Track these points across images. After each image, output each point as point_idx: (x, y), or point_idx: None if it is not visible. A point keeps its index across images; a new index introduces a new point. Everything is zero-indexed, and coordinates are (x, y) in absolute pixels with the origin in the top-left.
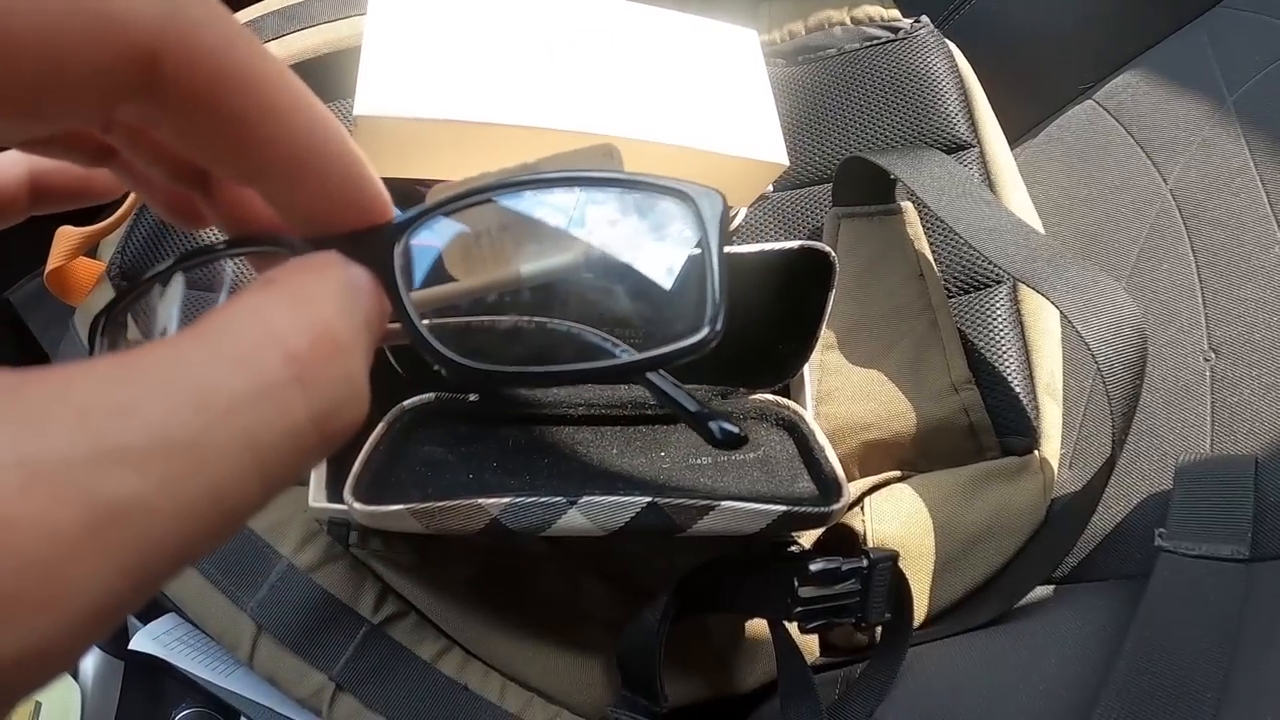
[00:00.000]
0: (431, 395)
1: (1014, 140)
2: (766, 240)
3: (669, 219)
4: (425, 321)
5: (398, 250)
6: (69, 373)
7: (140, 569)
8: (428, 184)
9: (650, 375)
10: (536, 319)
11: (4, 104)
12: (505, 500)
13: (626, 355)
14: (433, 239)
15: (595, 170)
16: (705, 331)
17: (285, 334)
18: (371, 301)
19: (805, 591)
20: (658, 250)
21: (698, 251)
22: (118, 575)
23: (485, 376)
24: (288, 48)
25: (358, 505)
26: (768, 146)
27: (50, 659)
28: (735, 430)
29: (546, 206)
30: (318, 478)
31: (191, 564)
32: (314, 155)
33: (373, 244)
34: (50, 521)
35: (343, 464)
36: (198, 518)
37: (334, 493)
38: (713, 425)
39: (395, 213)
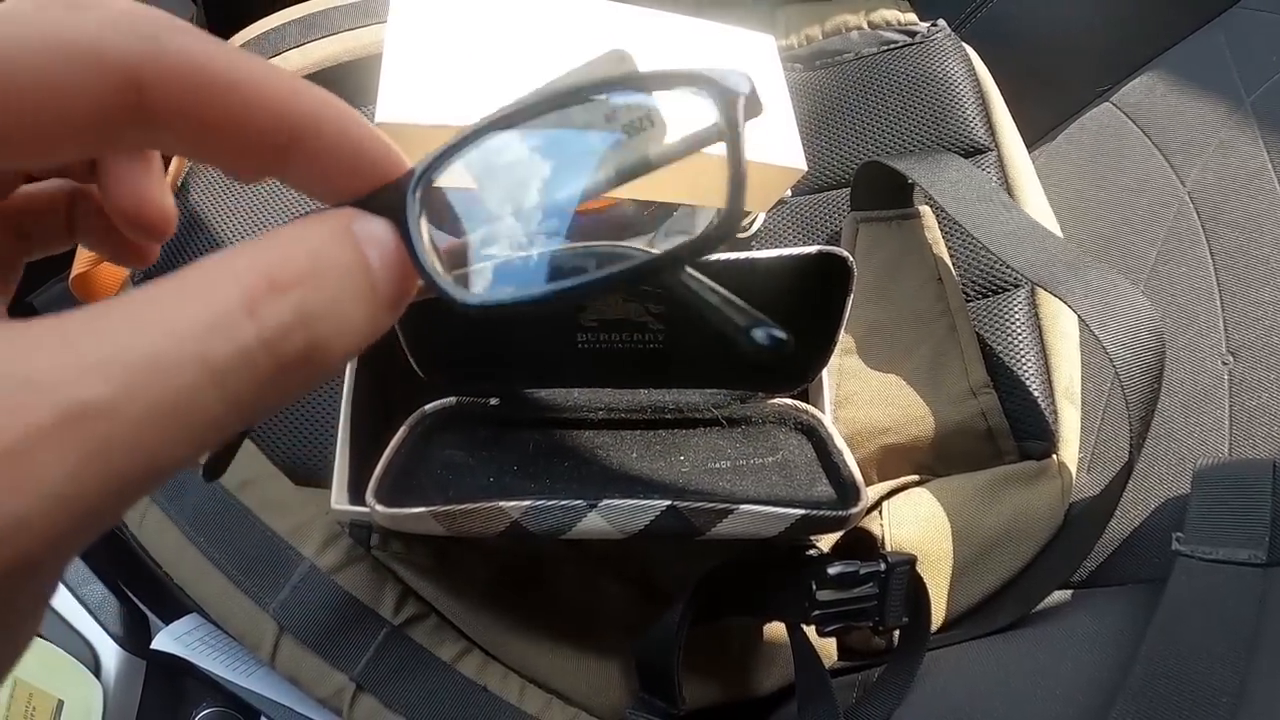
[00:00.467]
0: (452, 399)
1: (1032, 143)
2: (785, 245)
3: (691, 111)
4: (456, 272)
5: (415, 198)
6: (70, 313)
7: (103, 460)
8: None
9: (686, 279)
10: (557, 247)
11: (4, 142)
12: (525, 503)
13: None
14: (456, 181)
15: (605, 77)
16: (729, 208)
17: (243, 272)
18: (378, 247)
19: (823, 595)
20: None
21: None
22: (83, 462)
23: (503, 307)
24: (308, 55)
25: (380, 508)
26: (786, 152)
27: (27, 534)
28: (782, 335)
29: (573, 128)
30: (340, 481)
31: (159, 471)
32: (316, 133)
33: (390, 196)
34: (24, 418)
35: (365, 467)
36: (157, 421)
37: (356, 496)
38: (758, 332)
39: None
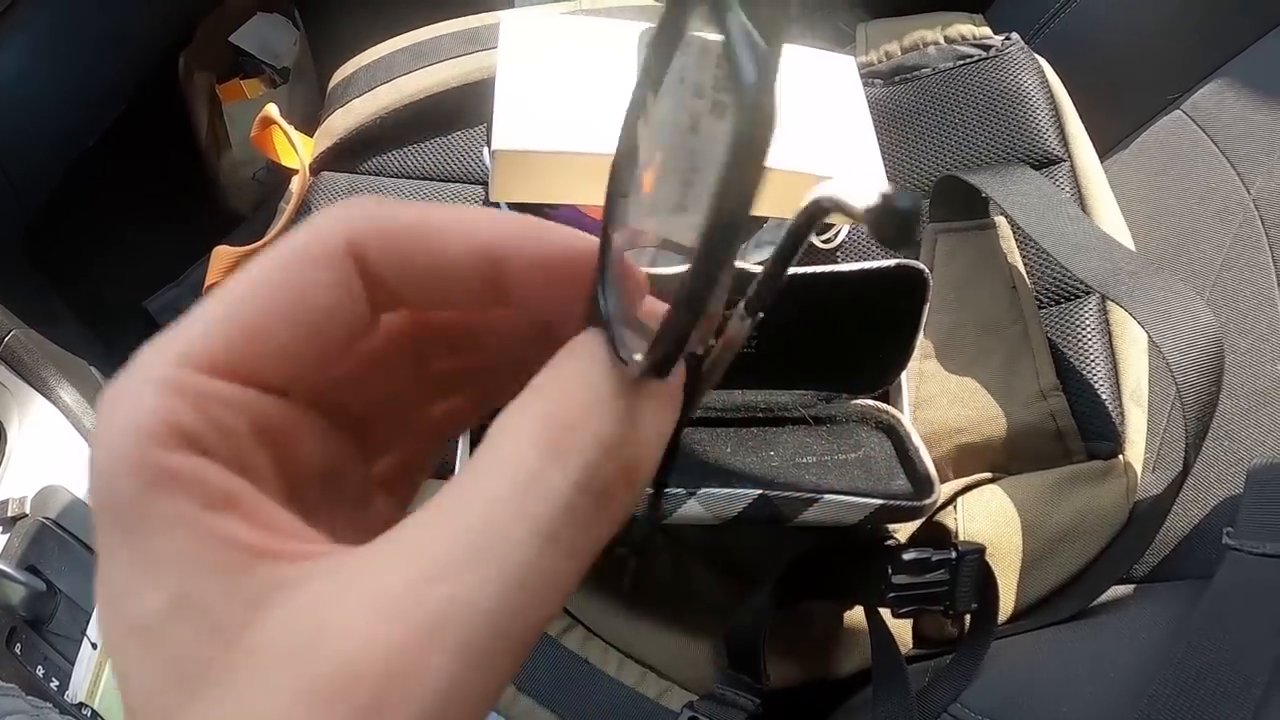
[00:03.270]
0: None
1: (1104, 152)
2: (867, 257)
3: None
4: None
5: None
6: (394, 534)
7: (470, 649)
8: (559, 208)
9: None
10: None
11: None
12: None
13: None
14: None
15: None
16: None
17: (529, 430)
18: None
19: (898, 579)
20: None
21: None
22: (452, 658)
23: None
24: (419, 81)
25: None
26: (868, 168)
27: None
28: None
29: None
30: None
31: (528, 636)
32: (517, 250)
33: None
34: (390, 638)
35: None
36: (510, 598)
37: None
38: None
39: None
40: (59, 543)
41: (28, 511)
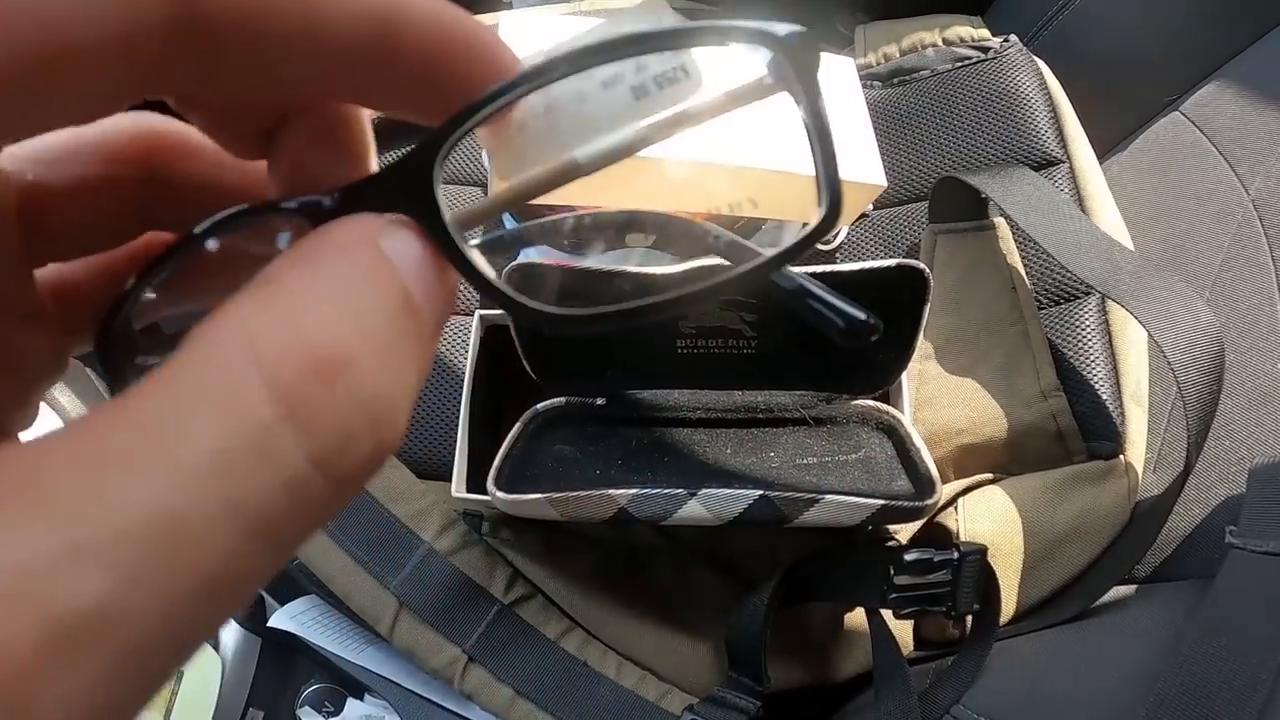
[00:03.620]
0: (562, 399)
1: (1103, 153)
2: (868, 256)
3: (748, 74)
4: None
5: (439, 186)
6: (41, 454)
7: (123, 676)
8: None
9: (778, 278)
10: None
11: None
12: (632, 491)
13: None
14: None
15: (642, 31)
16: (824, 211)
17: (270, 359)
18: (418, 273)
19: (900, 580)
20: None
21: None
22: (95, 690)
23: (586, 321)
24: None
25: (500, 494)
26: (867, 168)
27: None
28: (864, 317)
29: (596, 82)
30: (460, 472)
31: (199, 646)
32: (409, 19)
33: (411, 182)
34: (4, 642)
35: (480, 462)
36: (188, 605)
37: (473, 486)
38: (858, 318)
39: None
40: None
41: None
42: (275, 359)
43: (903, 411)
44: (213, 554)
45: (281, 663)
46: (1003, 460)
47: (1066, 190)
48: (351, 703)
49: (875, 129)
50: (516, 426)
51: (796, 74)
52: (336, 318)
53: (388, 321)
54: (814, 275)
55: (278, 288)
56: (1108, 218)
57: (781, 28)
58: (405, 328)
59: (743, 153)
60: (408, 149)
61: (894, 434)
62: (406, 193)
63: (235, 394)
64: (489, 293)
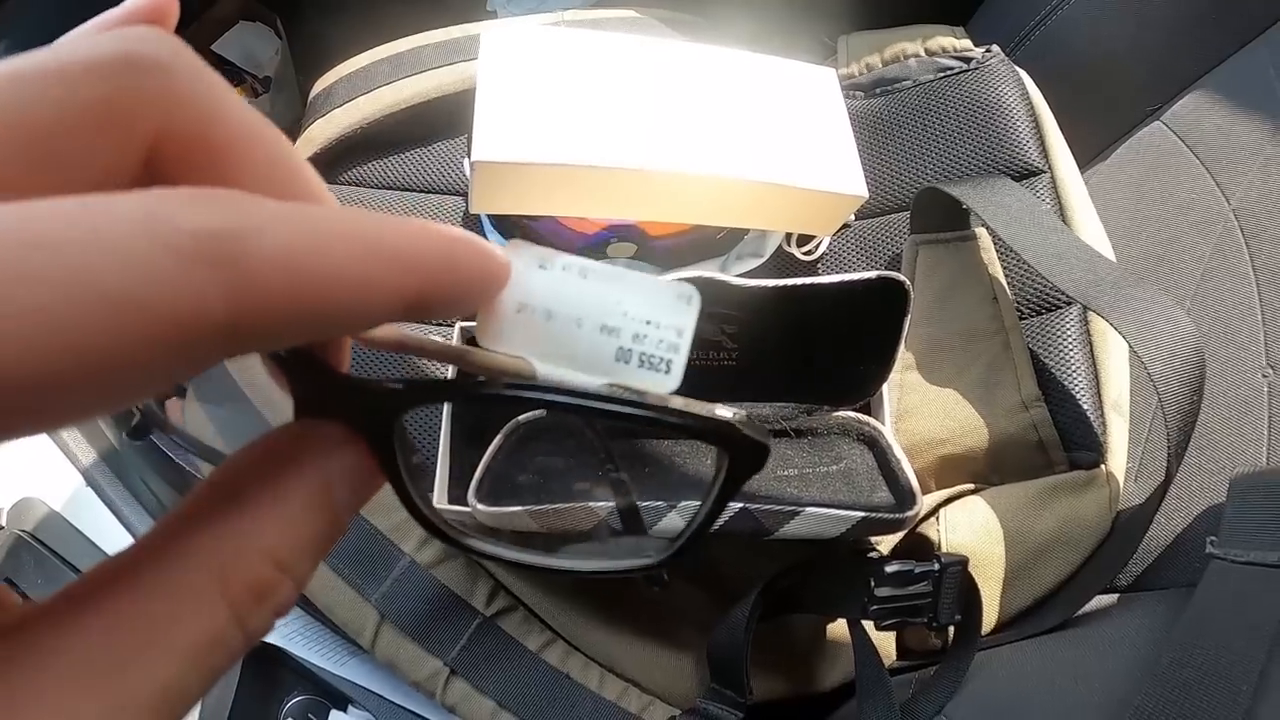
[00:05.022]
0: (543, 412)
1: (1085, 163)
2: (849, 267)
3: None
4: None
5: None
6: (73, 631)
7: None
8: (539, 219)
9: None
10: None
11: None
12: (613, 504)
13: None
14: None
15: (622, 401)
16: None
17: (230, 587)
18: (355, 497)
19: (881, 591)
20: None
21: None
22: None
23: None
24: (400, 92)
25: (481, 507)
26: (848, 180)
27: None
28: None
29: (597, 320)
30: (440, 483)
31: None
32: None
33: (376, 421)
34: None
35: (461, 473)
36: None
37: (454, 497)
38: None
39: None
40: (35, 556)
41: (3, 524)
42: (233, 589)
43: (883, 422)
44: (190, 704)
45: (264, 675)
46: (984, 470)
47: (1048, 200)
48: (335, 715)
49: (857, 139)
50: (498, 438)
51: (729, 471)
52: (279, 552)
53: (316, 547)
54: (797, 287)
55: (239, 517)
56: (1089, 228)
57: (744, 434)
58: (330, 538)
59: (727, 164)
60: (381, 388)
61: (875, 445)
62: (373, 419)
63: (210, 611)
64: (420, 519)
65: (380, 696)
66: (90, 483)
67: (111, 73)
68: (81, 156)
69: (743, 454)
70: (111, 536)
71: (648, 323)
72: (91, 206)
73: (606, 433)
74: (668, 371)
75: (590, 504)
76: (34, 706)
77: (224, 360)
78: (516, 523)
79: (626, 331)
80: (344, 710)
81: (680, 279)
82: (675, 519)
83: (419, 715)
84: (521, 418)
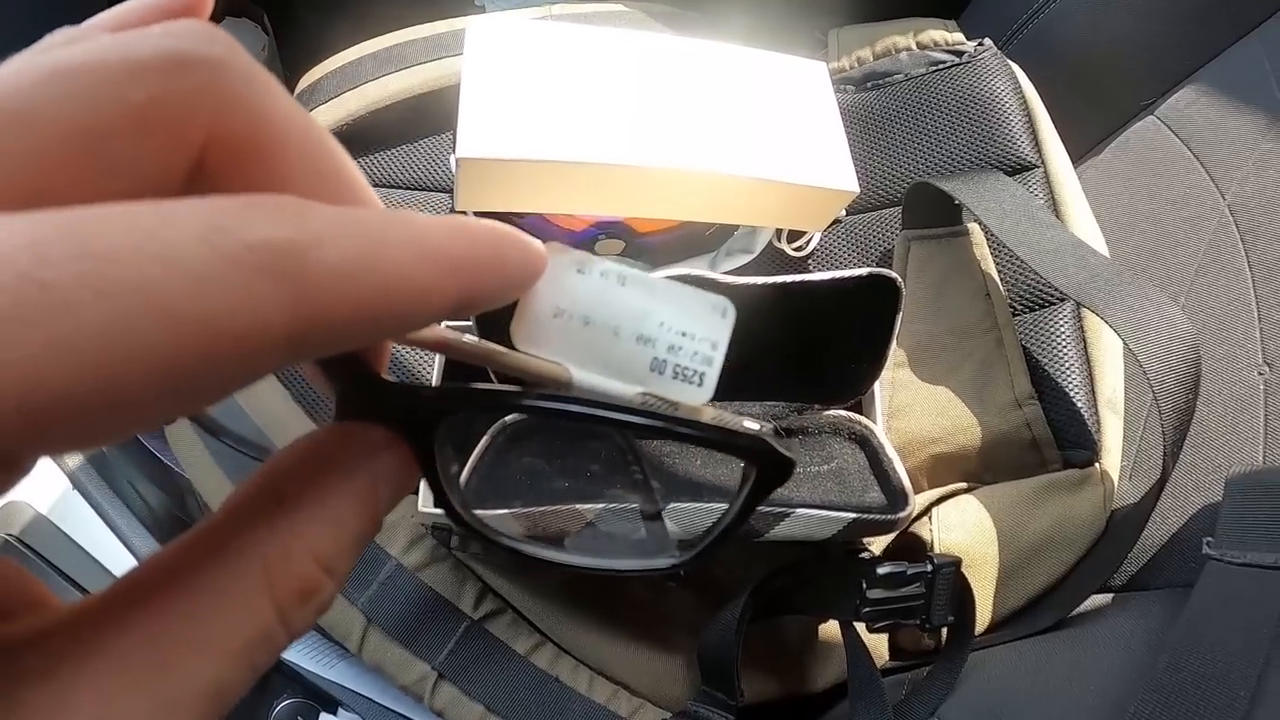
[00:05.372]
0: None
1: (1078, 158)
2: (840, 263)
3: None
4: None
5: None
6: (121, 628)
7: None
8: (525, 217)
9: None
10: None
11: None
12: (600, 506)
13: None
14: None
15: (658, 415)
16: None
17: (276, 589)
18: (395, 495)
19: (873, 593)
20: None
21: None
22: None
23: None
24: (386, 88)
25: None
26: (839, 175)
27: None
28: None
29: (634, 329)
30: (426, 487)
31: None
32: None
33: (421, 414)
34: None
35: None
36: None
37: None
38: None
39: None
40: (21, 560)
41: None
42: (279, 589)
43: (875, 421)
44: (235, 700)
45: None
46: (977, 469)
47: (1041, 195)
48: (324, 717)
49: (848, 133)
50: (484, 440)
51: (757, 482)
52: (324, 552)
53: (357, 547)
54: (787, 284)
55: (285, 516)
56: (1082, 223)
57: (774, 449)
58: (368, 538)
59: (716, 159)
60: (423, 392)
61: (866, 444)
62: (419, 424)
63: (257, 610)
64: (459, 522)
65: (369, 699)
66: (77, 486)
67: (162, 72)
68: (130, 160)
69: (770, 469)
70: (98, 540)
71: (683, 334)
72: (149, 215)
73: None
74: (701, 384)
75: (578, 506)
76: (83, 703)
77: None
78: (504, 525)
79: (662, 342)
80: (333, 713)
81: (669, 276)
82: (664, 521)
83: (408, 718)
84: (507, 418)
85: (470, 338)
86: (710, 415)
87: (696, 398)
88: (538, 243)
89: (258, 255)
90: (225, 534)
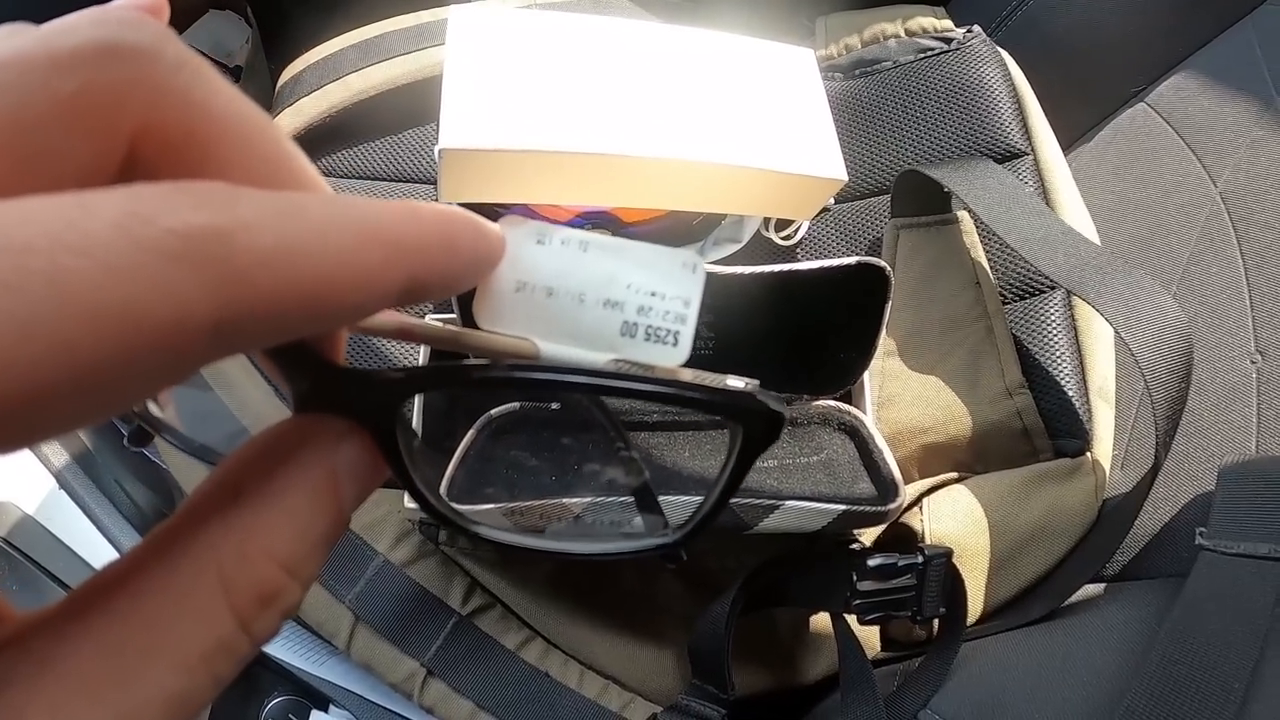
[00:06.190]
0: (516, 404)
1: (1068, 145)
2: (829, 251)
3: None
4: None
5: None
6: (76, 640)
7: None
8: (510, 208)
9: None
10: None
11: None
12: (587, 499)
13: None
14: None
15: (633, 378)
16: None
17: (233, 594)
18: (360, 489)
19: (864, 585)
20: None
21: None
22: None
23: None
24: (368, 79)
25: (455, 506)
26: (827, 163)
27: None
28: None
29: (600, 295)
30: None
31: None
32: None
33: (380, 409)
34: None
35: (436, 468)
36: None
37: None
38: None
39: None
40: (9, 561)
41: None
42: (236, 594)
43: (865, 411)
44: (198, 710)
45: (243, 676)
46: (968, 459)
47: (1031, 183)
48: (316, 715)
49: (836, 121)
50: (470, 432)
51: (744, 442)
52: (283, 552)
53: (322, 546)
54: (775, 273)
55: (239, 516)
56: (1073, 211)
57: (760, 402)
58: (335, 537)
59: (703, 148)
60: (386, 375)
61: (856, 435)
62: (375, 410)
63: (214, 617)
64: (426, 508)
65: (360, 696)
66: (64, 486)
67: (90, 63)
68: (60, 152)
69: (758, 425)
70: (87, 540)
71: (652, 294)
72: (70, 206)
73: (585, 425)
74: (675, 343)
75: (565, 499)
76: (37, 717)
77: (215, 362)
78: (491, 520)
79: (631, 305)
80: (325, 710)
81: None
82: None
83: (399, 715)
84: (494, 411)
85: (432, 320)
86: (689, 375)
87: (672, 358)
88: (494, 225)
89: (179, 242)
90: (182, 536)
